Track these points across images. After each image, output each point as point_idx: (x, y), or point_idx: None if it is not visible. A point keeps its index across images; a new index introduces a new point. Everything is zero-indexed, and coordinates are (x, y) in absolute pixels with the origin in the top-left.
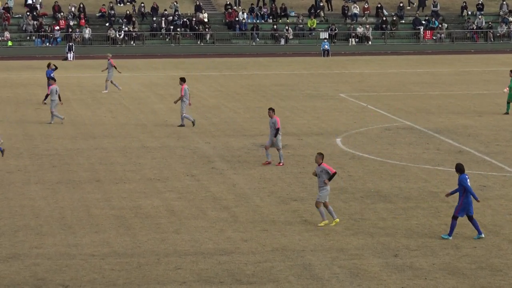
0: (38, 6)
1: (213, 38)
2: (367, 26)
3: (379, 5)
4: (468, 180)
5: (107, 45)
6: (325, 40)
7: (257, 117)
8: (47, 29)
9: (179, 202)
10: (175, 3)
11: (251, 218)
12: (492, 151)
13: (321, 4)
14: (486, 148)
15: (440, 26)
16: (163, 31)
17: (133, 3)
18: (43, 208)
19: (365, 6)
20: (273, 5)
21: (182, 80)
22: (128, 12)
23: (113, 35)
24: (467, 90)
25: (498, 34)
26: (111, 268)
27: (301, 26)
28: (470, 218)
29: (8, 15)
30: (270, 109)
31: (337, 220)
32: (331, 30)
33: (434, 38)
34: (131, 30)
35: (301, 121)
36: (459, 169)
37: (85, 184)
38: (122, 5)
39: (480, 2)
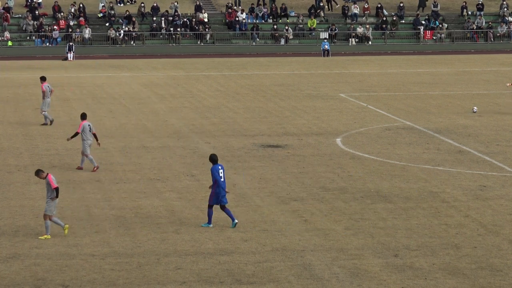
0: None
1: (213, 38)
2: (367, 26)
3: (379, 5)
4: (221, 171)
5: (107, 45)
6: (325, 40)
7: (257, 117)
8: (47, 29)
9: (179, 202)
10: (175, 3)
11: (251, 218)
12: (492, 151)
13: (321, 4)
14: (486, 148)
15: (440, 26)
16: (163, 31)
17: (133, 3)
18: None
19: (365, 6)
20: (273, 5)
21: (42, 79)
22: (127, 12)
23: (113, 35)
24: (467, 90)
25: (498, 34)
26: (111, 268)
27: (301, 26)
28: (222, 208)
29: (8, 15)
30: (82, 115)
31: (67, 226)
32: (331, 30)
33: (434, 38)
34: (131, 30)
35: (301, 121)
36: (212, 159)
37: (85, 184)
38: (122, 5)
39: (480, 2)
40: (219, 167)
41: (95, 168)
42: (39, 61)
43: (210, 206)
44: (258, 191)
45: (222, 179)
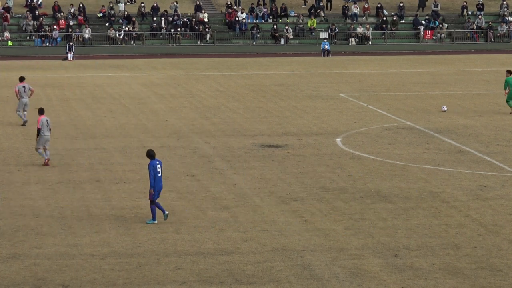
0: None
1: (213, 38)
2: (367, 26)
3: (379, 5)
4: (158, 166)
5: (107, 45)
6: (325, 40)
7: (257, 117)
8: (47, 29)
9: (179, 202)
10: (175, 3)
11: (251, 218)
12: (492, 151)
13: (321, 4)
14: (486, 148)
15: (440, 26)
16: (163, 31)
17: (133, 3)
18: (43, 208)
19: (365, 6)
20: (273, 5)
21: (20, 79)
22: (126, 12)
23: (113, 35)
24: (467, 90)
25: (498, 34)
26: (111, 268)
27: (301, 26)
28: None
29: (8, 15)
30: (40, 110)
31: None
32: (331, 30)
33: (434, 38)
34: (131, 30)
35: (301, 121)
36: (149, 154)
37: (85, 184)
38: (122, 4)
39: (480, 2)
40: (157, 162)
41: (46, 161)
42: (39, 61)
43: (152, 202)
44: (258, 191)
45: (160, 174)
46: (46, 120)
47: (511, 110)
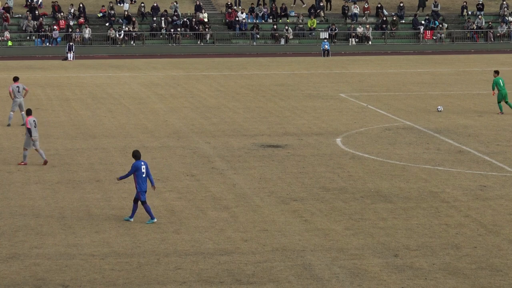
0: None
1: (213, 38)
2: (367, 26)
3: (379, 5)
4: (143, 167)
5: (107, 45)
6: (325, 40)
7: (257, 117)
8: (47, 29)
9: (179, 202)
10: (175, 3)
11: (251, 218)
12: (492, 151)
13: (321, 4)
14: (486, 148)
15: (440, 26)
16: (163, 31)
17: (133, 3)
18: (43, 208)
19: (365, 6)
20: (273, 5)
21: (14, 79)
22: (126, 13)
23: (113, 35)
24: (467, 90)
25: (498, 34)
26: (111, 268)
27: (301, 26)
28: (136, 200)
29: (8, 15)
30: (27, 111)
31: None
32: (331, 30)
33: (434, 38)
34: (131, 30)
35: (301, 121)
36: (134, 155)
37: (85, 184)
38: (122, 4)
39: (480, 2)
40: (142, 163)
41: (22, 163)
42: (39, 61)
43: (144, 203)
44: (258, 191)
45: (144, 175)
46: (34, 120)
47: (499, 111)
